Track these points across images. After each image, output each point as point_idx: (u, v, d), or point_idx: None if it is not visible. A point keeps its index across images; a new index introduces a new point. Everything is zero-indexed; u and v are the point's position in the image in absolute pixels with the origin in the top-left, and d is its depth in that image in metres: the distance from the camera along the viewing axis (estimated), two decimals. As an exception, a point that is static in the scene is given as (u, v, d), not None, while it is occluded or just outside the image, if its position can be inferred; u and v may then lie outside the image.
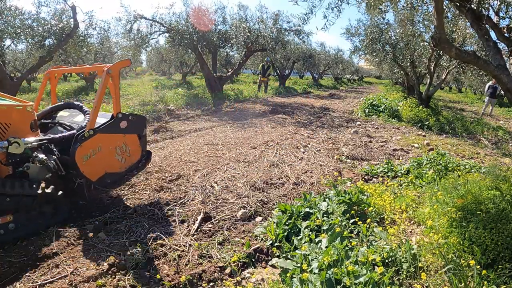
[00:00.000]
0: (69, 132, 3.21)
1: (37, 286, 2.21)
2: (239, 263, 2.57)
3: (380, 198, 3.33)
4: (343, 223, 2.90)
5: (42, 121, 3.61)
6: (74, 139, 2.94)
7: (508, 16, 3.82)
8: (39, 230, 2.79)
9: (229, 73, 15.03)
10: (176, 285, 2.28)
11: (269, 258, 2.71)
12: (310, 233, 2.78)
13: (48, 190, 2.75)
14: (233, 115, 9.88)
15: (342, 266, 2.24)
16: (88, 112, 3.43)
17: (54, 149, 3.01)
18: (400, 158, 5.68)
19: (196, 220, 3.16)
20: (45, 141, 2.98)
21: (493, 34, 3.57)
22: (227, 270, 2.49)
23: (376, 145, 6.53)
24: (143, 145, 3.55)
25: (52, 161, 2.89)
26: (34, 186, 2.70)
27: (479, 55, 3.44)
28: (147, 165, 3.77)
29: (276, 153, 5.68)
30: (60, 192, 2.87)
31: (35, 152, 2.85)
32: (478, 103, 19.00)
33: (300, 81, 27.09)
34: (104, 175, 3.19)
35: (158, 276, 2.31)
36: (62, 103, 3.92)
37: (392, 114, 10.29)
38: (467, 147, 6.78)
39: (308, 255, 2.46)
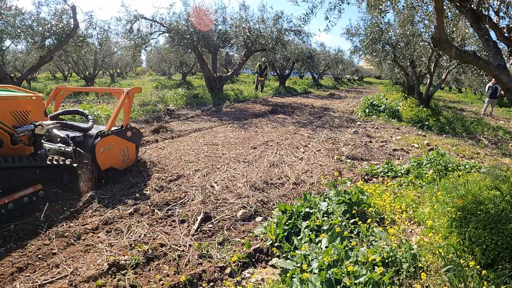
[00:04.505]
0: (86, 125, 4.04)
1: (37, 286, 2.21)
2: (239, 263, 2.57)
3: (380, 198, 3.33)
4: (343, 223, 2.90)
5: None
6: (95, 135, 3.81)
7: (508, 16, 3.81)
8: (61, 195, 3.43)
9: (229, 73, 15.03)
10: (176, 285, 2.28)
11: (269, 258, 2.71)
12: (310, 233, 2.78)
13: (67, 162, 3.49)
14: (233, 115, 9.88)
15: (342, 266, 2.24)
16: (91, 118, 4.27)
17: (70, 142, 3.67)
18: (400, 158, 5.68)
19: (196, 220, 3.16)
20: (60, 123, 3.84)
21: (493, 34, 3.56)
22: (227, 270, 2.49)
23: (376, 145, 6.53)
24: (136, 153, 4.51)
25: (69, 149, 3.62)
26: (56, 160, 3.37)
27: (479, 55, 3.44)
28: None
29: (276, 153, 5.68)
30: (75, 164, 3.57)
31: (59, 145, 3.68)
32: (478, 103, 18.99)
33: (300, 81, 27.09)
34: (109, 168, 3.98)
35: (158, 276, 2.31)
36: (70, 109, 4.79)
37: (392, 114, 10.29)
38: (467, 147, 6.78)
39: (308, 255, 2.46)
